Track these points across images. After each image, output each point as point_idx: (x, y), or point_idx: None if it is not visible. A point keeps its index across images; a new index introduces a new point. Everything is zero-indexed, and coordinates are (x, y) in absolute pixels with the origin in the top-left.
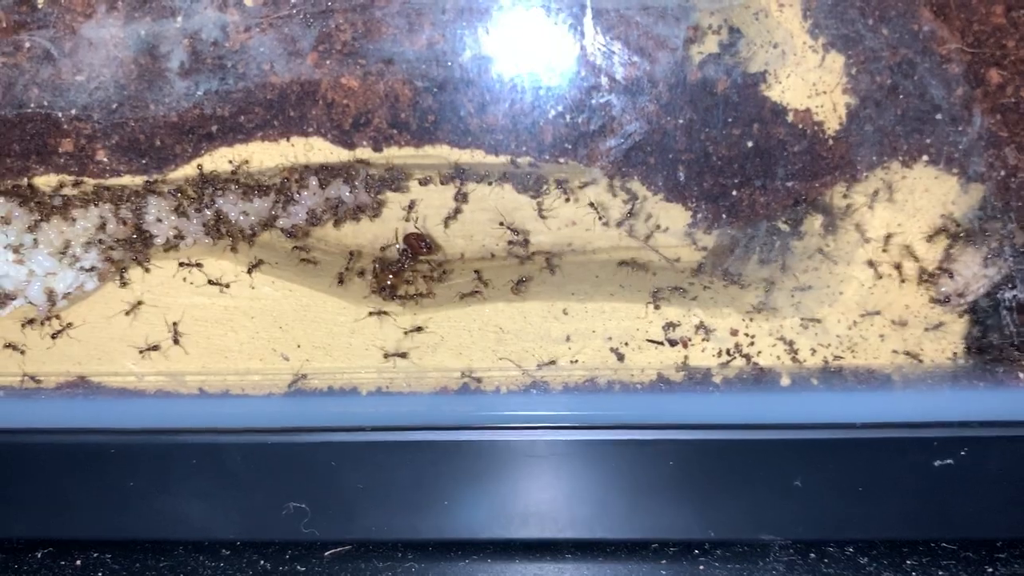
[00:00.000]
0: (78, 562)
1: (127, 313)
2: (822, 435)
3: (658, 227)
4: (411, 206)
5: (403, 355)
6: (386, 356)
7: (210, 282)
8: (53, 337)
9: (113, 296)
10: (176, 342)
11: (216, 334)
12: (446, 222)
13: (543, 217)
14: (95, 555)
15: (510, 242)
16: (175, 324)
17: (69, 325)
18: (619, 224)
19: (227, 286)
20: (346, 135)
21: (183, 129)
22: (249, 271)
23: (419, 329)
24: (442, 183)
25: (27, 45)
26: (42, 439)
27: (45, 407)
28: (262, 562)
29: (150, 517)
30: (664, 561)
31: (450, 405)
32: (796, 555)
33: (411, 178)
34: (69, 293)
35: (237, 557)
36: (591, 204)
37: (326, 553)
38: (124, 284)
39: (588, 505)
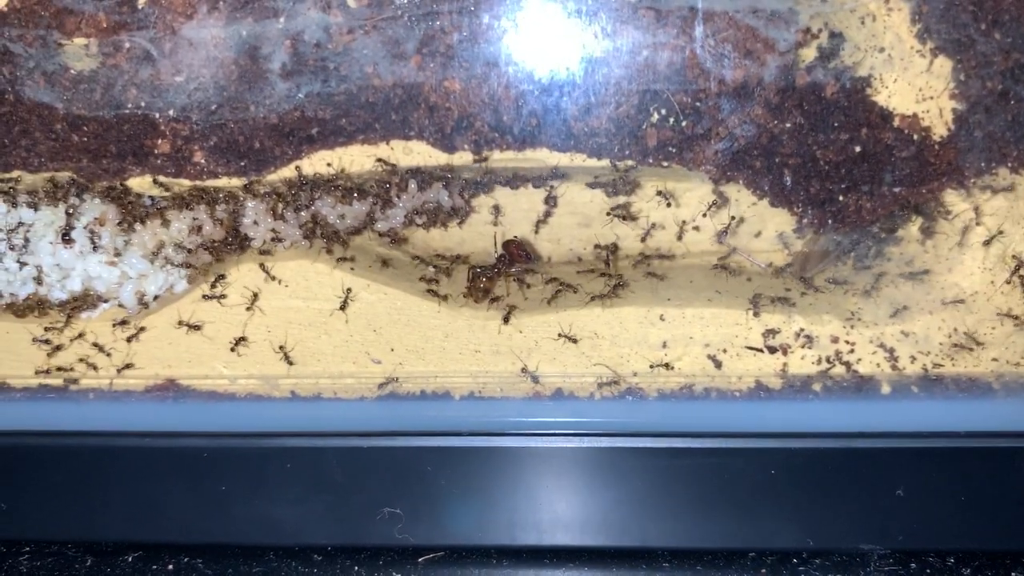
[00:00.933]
0: (170, 566)
1: (248, 309)
2: (925, 444)
3: (737, 232)
4: (497, 210)
5: (536, 379)
6: (523, 371)
7: (204, 297)
8: (197, 328)
9: (202, 298)
10: (290, 362)
11: (309, 337)
12: (536, 226)
13: (634, 219)
14: (186, 559)
15: (596, 247)
16: (283, 347)
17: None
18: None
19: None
20: (447, 139)
21: (283, 131)
22: (343, 306)
23: (574, 341)
24: (534, 187)
25: (127, 46)
26: (132, 442)
27: (135, 410)
28: (356, 568)
29: (242, 522)
30: (764, 570)
31: (543, 411)
32: (896, 565)
33: (501, 183)
34: (159, 295)
35: (330, 563)
36: (713, 203)
37: (420, 559)
38: (214, 286)
39: (685, 514)
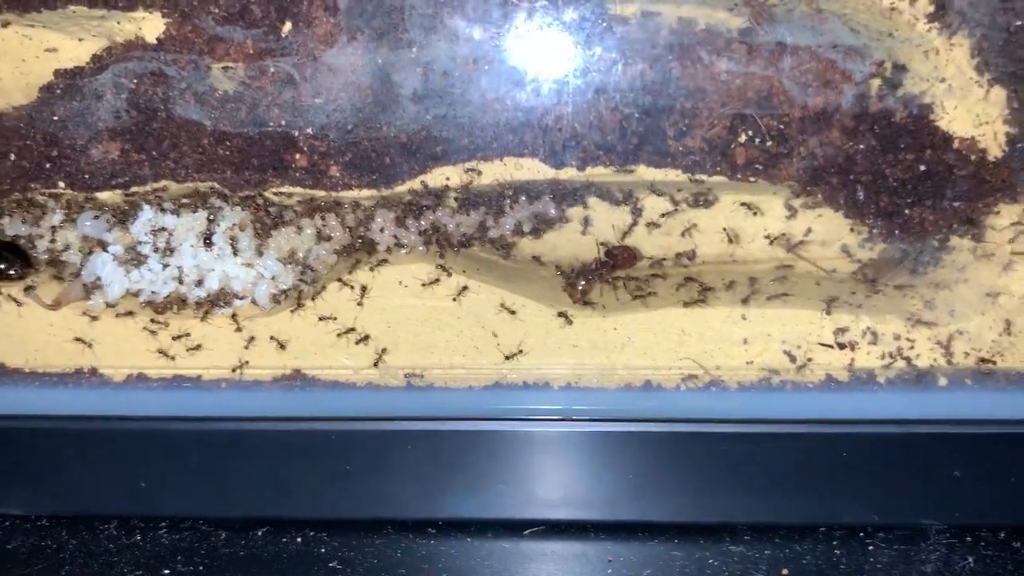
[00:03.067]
0: (298, 539)
1: (426, 284)
2: (978, 430)
3: (805, 241)
4: (587, 221)
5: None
6: None
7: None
8: (360, 341)
9: (330, 297)
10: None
11: (423, 332)
12: (623, 235)
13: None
14: (312, 533)
15: (677, 254)
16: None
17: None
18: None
19: (437, 281)
20: (557, 156)
21: (411, 149)
22: (457, 296)
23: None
24: (624, 200)
25: (271, 70)
26: (262, 426)
27: (265, 398)
28: (468, 539)
29: (364, 498)
30: (835, 543)
31: (634, 400)
32: (953, 538)
33: (590, 194)
34: (288, 294)
35: (444, 535)
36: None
37: (524, 532)
38: (352, 287)
39: (763, 493)
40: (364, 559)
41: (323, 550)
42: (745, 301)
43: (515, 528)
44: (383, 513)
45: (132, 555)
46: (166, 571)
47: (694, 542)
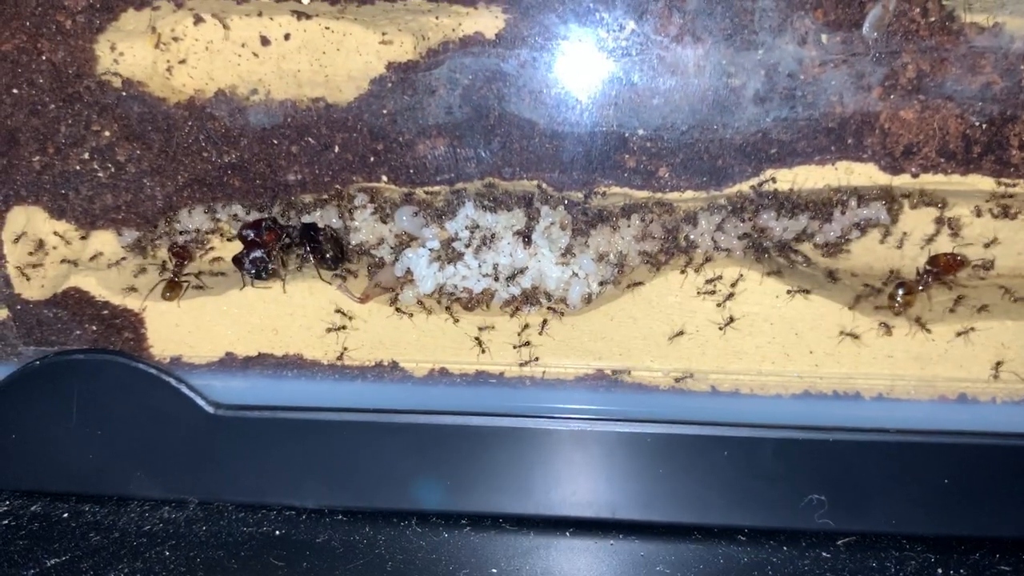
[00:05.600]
0: (610, 543)
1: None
2: None
3: None
4: (886, 233)
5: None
6: None
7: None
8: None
9: (638, 297)
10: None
11: (733, 337)
12: (925, 244)
13: None
14: (621, 536)
15: (974, 266)
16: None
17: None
18: None
19: (731, 295)
20: (895, 162)
21: (745, 151)
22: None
23: None
24: (936, 206)
25: (610, 71)
26: (566, 425)
27: (568, 396)
28: (784, 548)
29: (677, 501)
30: None
31: (947, 413)
32: None
33: (899, 204)
34: (597, 296)
35: (755, 542)
36: None
37: (839, 542)
38: (709, 282)
39: None
40: (678, 557)
41: (642, 554)
42: None
43: (827, 539)
44: (695, 518)
45: (448, 552)
46: (493, 570)
47: (1016, 557)
